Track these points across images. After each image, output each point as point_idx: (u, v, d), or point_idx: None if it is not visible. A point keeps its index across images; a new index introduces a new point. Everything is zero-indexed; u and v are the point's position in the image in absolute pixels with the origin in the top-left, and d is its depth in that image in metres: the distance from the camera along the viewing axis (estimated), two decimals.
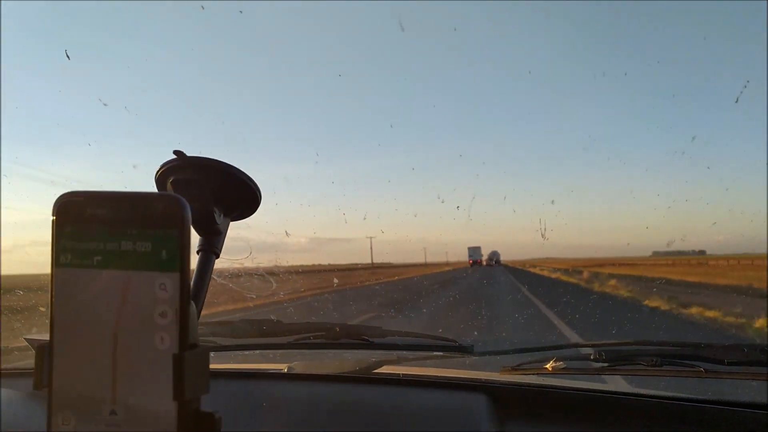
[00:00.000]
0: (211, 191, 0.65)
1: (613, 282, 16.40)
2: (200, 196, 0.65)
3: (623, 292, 13.51)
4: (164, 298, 0.41)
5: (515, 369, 1.28)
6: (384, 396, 1.18)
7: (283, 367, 1.31)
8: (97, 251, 0.42)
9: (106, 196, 0.43)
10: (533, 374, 1.25)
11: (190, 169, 0.65)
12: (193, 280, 0.63)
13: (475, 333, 6.01)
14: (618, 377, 1.33)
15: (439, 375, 1.24)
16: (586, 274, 21.72)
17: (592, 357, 1.27)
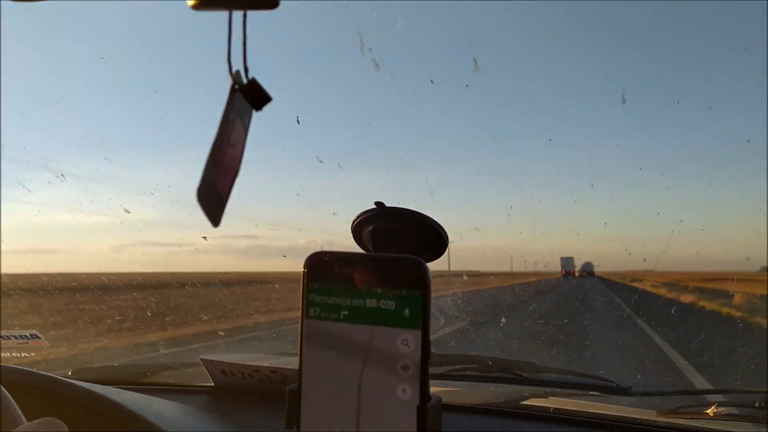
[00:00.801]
0: (408, 241, 0.70)
1: None
2: (398, 245, 0.69)
3: None
4: (406, 352, 0.45)
5: (673, 412, 1.23)
6: (532, 430, 1.17)
7: None
8: (344, 306, 0.47)
9: (353, 256, 0.48)
10: (692, 419, 1.20)
11: (389, 219, 0.69)
12: None
13: (639, 376, 5.40)
14: None
15: (593, 412, 1.22)
16: (739, 298, 13.39)
17: (757, 404, 1.20)
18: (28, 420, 0.60)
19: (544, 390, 1.37)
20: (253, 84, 0.37)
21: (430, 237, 0.73)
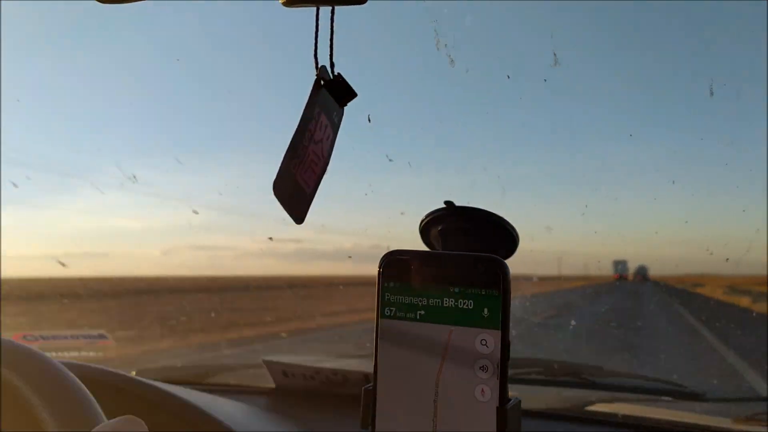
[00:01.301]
0: (477, 241, 0.68)
1: None
2: (469, 245, 0.68)
3: None
4: (485, 353, 0.44)
5: (750, 419, 1.17)
6: None
7: None
8: (421, 306, 0.46)
9: (430, 255, 0.47)
10: None
11: (459, 219, 0.68)
12: None
13: (715, 381, 4.97)
14: None
15: (664, 419, 1.17)
16: None
17: None
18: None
19: (612, 395, 1.33)
20: (339, 79, 0.36)
21: (501, 237, 0.71)
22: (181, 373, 1.68)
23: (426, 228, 0.71)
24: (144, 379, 1.04)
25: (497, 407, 0.43)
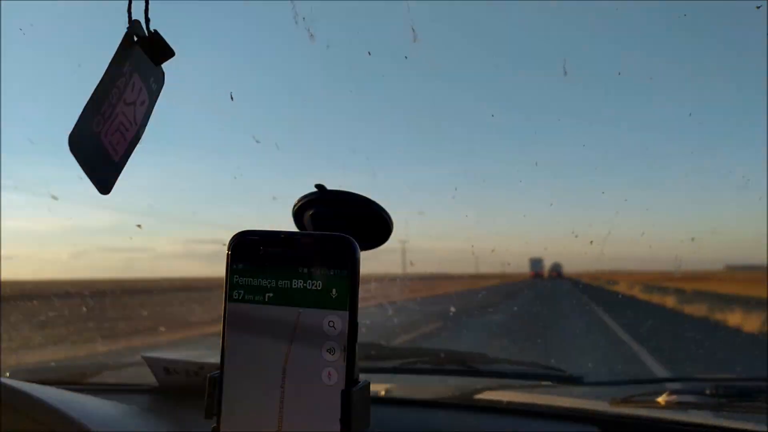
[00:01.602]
0: (349, 225, 0.67)
1: None
2: (341, 230, 0.66)
3: None
4: (333, 335, 0.42)
5: (626, 401, 1.23)
6: (487, 424, 1.16)
7: (381, 390, 1.31)
8: (269, 288, 0.44)
9: (278, 235, 0.44)
10: (645, 407, 1.21)
11: (330, 203, 0.66)
12: None
13: (590, 365, 5.41)
14: (738, 414, 1.26)
15: (545, 404, 1.21)
16: None
17: (708, 392, 1.21)
18: None
19: (498, 382, 1.36)
20: (155, 37, 0.33)
21: (374, 222, 0.70)
22: (58, 374, 1.58)
23: (299, 213, 0.69)
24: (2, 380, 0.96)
25: (342, 390, 0.42)
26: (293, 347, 0.43)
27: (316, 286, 0.43)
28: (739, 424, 1.16)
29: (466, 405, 1.24)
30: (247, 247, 0.45)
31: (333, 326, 0.42)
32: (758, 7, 1.25)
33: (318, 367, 0.43)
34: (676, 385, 1.27)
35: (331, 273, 0.43)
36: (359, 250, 0.43)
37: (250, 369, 0.44)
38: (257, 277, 0.44)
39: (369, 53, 1.56)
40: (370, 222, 0.69)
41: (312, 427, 0.43)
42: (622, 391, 1.27)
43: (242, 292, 0.44)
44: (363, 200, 0.67)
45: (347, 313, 0.42)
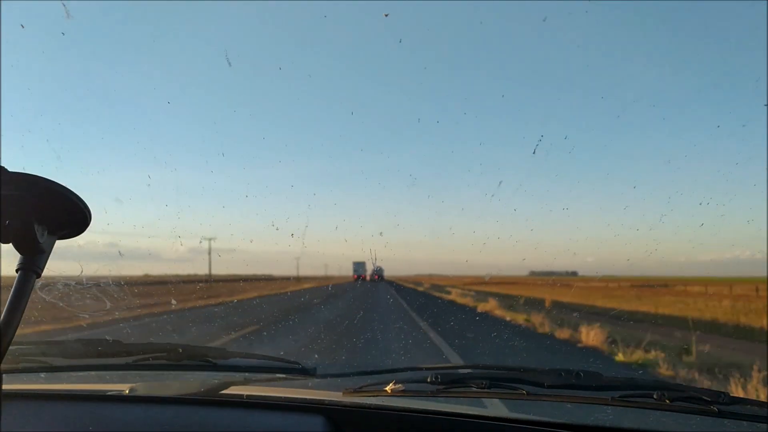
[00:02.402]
0: (33, 209, 0.64)
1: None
2: (19, 213, 0.63)
3: None
4: None
5: (356, 391, 1.33)
6: (227, 418, 1.18)
7: (125, 389, 1.27)
8: None
9: None
10: (373, 396, 1.31)
11: (10, 186, 0.63)
12: (9, 299, 0.62)
13: (316, 356, 5.83)
14: (459, 399, 1.42)
15: (281, 396, 1.27)
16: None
17: (428, 380, 1.35)
18: None
19: (243, 377, 1.39)
20: None
21: (63, 207, 0.67)
22: None
23: None
24: None
25: None
26: None
27: None
28: (451, 407, 1.32)
29: (208, 400, 1.26)
30: None
31: None
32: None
33: None
34: (405, 375, 1.39)
35: None
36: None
37: None
38: None
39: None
40: (61, 209, 0.67)
41: None
42: (354, 382, 1.37)
43: None
44: (49, 184, 0.64)
45: None
